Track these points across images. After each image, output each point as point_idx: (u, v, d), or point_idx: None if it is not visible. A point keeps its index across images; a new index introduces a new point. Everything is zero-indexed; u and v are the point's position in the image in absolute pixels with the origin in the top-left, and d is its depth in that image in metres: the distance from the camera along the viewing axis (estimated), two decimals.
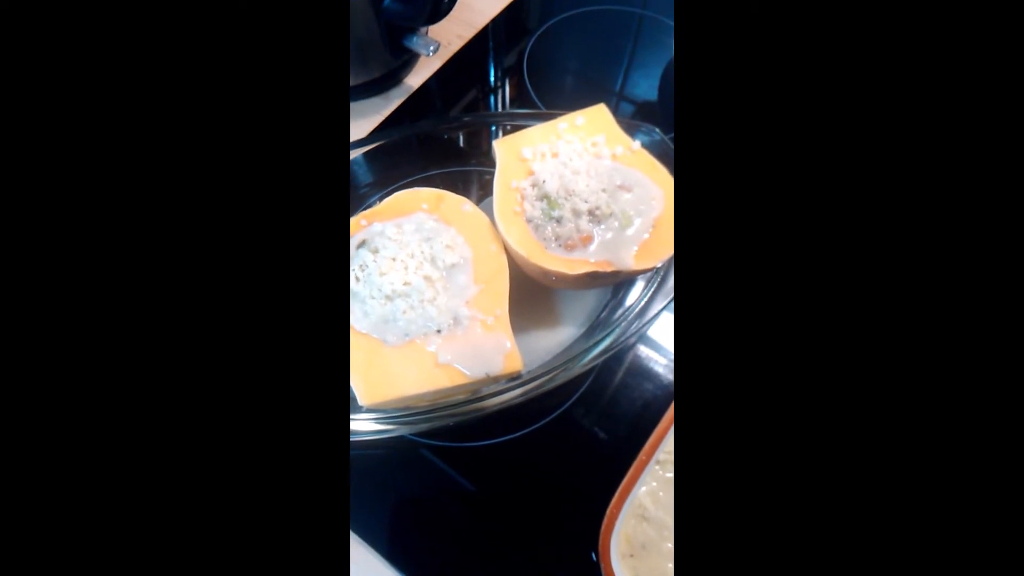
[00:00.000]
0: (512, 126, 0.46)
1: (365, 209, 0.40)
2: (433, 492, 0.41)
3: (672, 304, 0.40)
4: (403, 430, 0.37)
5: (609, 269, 0.37)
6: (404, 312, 0.35)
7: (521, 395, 0.36)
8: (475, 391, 0.37)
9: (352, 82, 0.59)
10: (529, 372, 0.37)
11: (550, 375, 0.37)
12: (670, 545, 0.34)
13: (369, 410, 0.36)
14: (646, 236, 0.38)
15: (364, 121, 0.60)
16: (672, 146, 0.42)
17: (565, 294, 0.45)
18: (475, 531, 0.40)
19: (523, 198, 0.39)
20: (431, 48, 0.57)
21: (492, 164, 0.41)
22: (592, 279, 0.38)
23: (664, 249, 0.37)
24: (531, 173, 0.40)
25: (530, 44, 0.66)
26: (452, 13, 0.55)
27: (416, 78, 0.64)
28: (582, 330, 0.43)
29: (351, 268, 0.37)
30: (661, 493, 0.35)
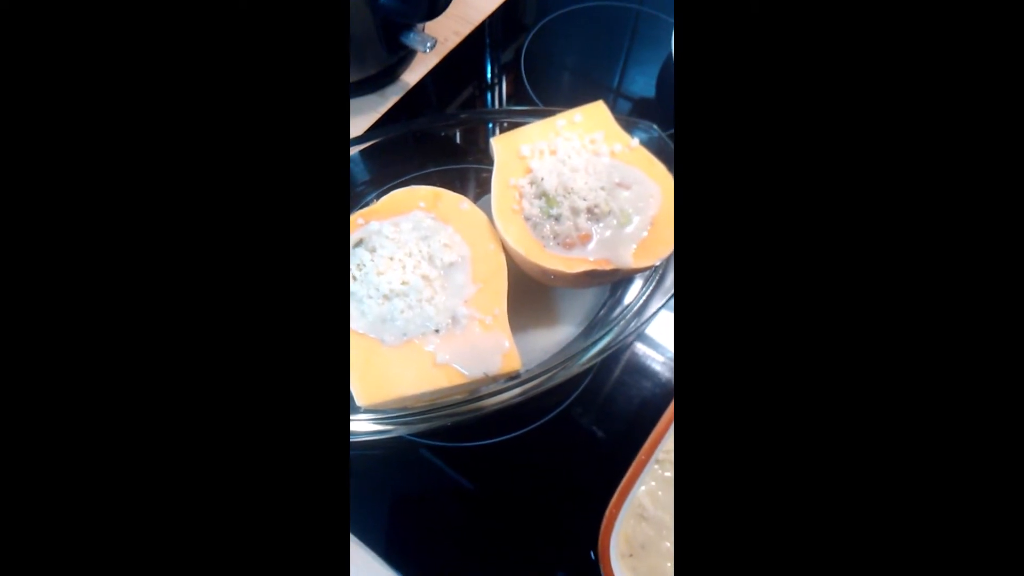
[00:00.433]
0: (509, 123, 0.46)
1: (362, 207, 0.40)
2: (432, 492, 0.41)
3: (670, 302, 0.40)
4: (401, 430, 0.37)
5: (608, 267, 0.36)
6: (402, 312, 0.35)
7: (520, 394, 0.36)
8: (473, 391, 0.37)
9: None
10: (528, 371, 0.37)
11: (549, 374, 0.37)
12: (669, 544, 0.34)
13: (367, 411, 0.36)
14: (645, 234, 0.38)
15: (360, 118, 0.60)
16: (670, 143, 0.42)
17: (563, 293, 0.45)
18: (474, 531, 0.40)
19: (521, 196, 0.39)
20: (428, 45, 0.56)
21: (489, 162, 0.41)
22: (591, 277, 0.37)
23: (663, 247, 0.37)
24: (529, 171, 0.39)
25: (527, 40, 0.66)
26: (449, 9, 0.55)
27: (412, 75, 0.63)
28: (580, 329, 0.43)
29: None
30: (660, 492, 0.35)
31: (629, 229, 0.38)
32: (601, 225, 0.38)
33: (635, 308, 0.40)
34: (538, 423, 0.43)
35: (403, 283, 0.35)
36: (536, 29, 0.67)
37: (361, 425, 0.36)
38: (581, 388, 0.45)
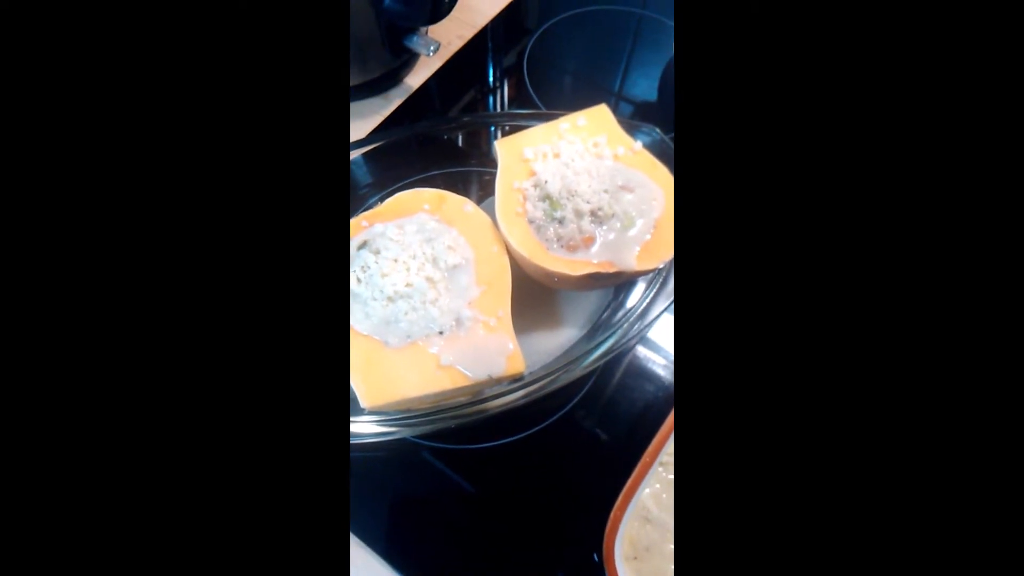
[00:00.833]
0: (512, 126, 0.46)
1: (365, 210, 0.40)
2: (435, 494, 0.41)
3: (673, 305, 0.40)
4: (405, 432, 0.37)
5: (611, 270, 0.36)
6: (406, 313, 0.35)
7: (523, 397, 0.36)
8: (477, 393, 0.37)
9: (352, 82, 0.59)
10: (531, 374, 0.37)
11: (552, 377, 0.37)
12: (673, 547, 0.34)
13: (371, 412, 0.36)
14: (648, 237, 0.38)
15: (364, 121, 0.60)
16: (672, 146, 0.42)
17: (567, 295, 0.45)
18: (477, 533, 0.40)
19: (525, 199, 0.39)
20: (431, 48, 0.57)
21: (492, 164, 0.41)
22: (594, 280, 0.37)
23: (666, 250, 0.37)
24: (533, 174, 0.39)
25: (530, 44, 0.66)
26: (452, 13, 0.55)
27: (416, 78, 0.63)
28: (584, 331, 0.43)
29: (352, 269, 0.37)
30: (664, 495, 0.35)
31: (632, 232, 0.38)
32: (604, 228, 0.38)
33: (638, 311, 0.40)
34: (541, 426, 0.43)
35: (407, 285, 0.35)
36: (539, 33, 0.67)
37: (365, 427, 0.36)
38: (584, 391, 0.45)
